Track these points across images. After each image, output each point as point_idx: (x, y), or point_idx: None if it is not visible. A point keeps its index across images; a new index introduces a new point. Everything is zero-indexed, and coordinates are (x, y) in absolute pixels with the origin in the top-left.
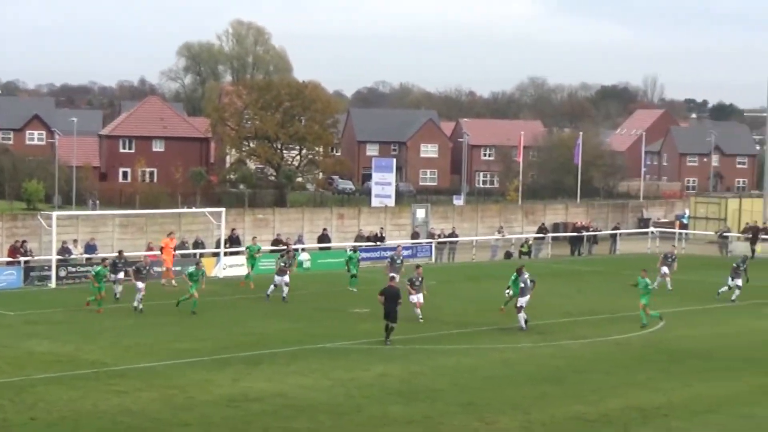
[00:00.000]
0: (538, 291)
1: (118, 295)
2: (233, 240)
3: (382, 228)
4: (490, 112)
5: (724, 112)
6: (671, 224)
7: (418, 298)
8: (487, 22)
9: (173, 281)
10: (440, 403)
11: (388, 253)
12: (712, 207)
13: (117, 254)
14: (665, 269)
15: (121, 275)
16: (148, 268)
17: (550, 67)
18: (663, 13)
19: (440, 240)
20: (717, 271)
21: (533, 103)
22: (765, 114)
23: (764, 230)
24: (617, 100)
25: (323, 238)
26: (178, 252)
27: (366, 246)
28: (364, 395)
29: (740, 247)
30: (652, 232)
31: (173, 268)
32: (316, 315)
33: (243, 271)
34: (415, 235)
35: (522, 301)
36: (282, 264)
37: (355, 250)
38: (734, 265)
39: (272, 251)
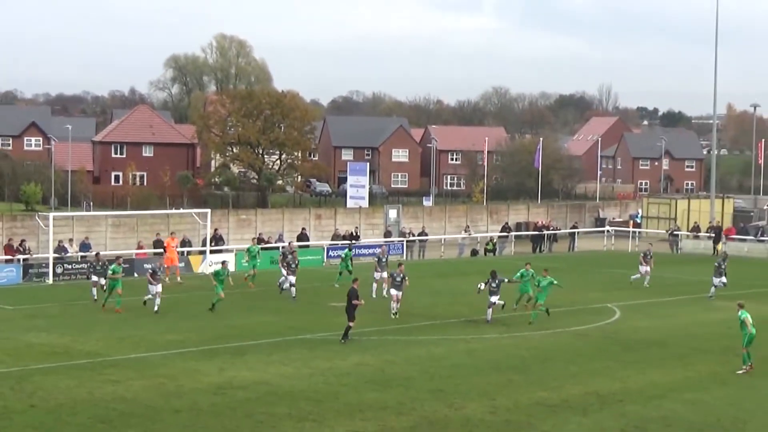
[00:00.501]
0: (503, 286)
1: (95, 297)
2: (218, 239)
3: (356, 227)
4: (457, 119)
5: (673, 119)
6: (625, 223)
7: (396, 293)
8: (454, 35)
9: (178, 278)
10: (412, 390)
11: (363, 251)
12: (662, 207)
13: (95, 256)
14: (646, 268)
15: (96, 278)
16: (162, 269)
17: (512, 78)
18: (617, 26)
19: (411, 239)
20: (668, 266)
21: (497, 111)
22: (711, 121)
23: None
24: (574, 108)
25: (302, 236)
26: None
27: (342, 244)
28: (341, 383)
29: (689, 245)
30: (608, 231)
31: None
32: (297, 308)
33: (228, 268)
34: (387, 234)
35: (495, 298)
36: (290, 264)
37: (349, 248)
38: (716, 264)
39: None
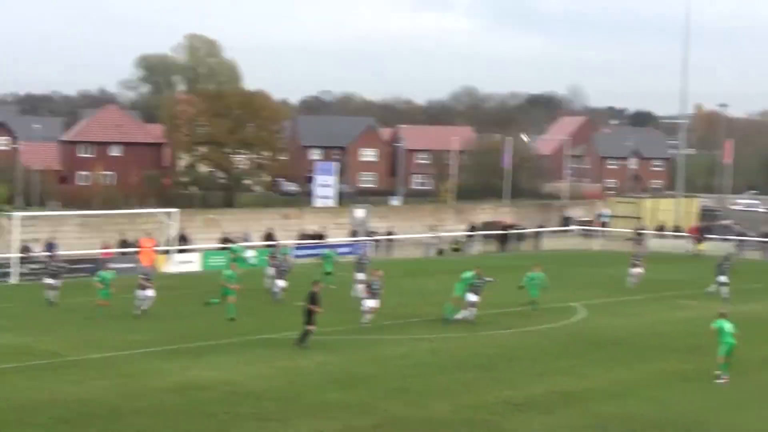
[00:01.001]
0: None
1: (51, 299)
2: (184, 238)
3: (324, 227)
4: (426, 118)
5: (641, 119)
6: (592, 222)
7: (373, 303)
8: (424, 34)
9: None
10: (376, 389)
11: (325, 251)
12: (629, 207)
13: (48, 257)
14: (639, 270)
15: (52, 280)
16: (152, 275)
17: (481, 77)
18: (587, 26)
19: (378, 238)
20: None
21: (466, 111)
22: (679, 121)
23: (699, 229)
24: (543, 108)
25: (269, 236)
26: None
27: (309, 243)
28: (304, 382)
29: (655, 244)
30: (575, 230)
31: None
32: (262, 308)
33: (194, 267)
34: (354, 234)
35: (474, 297)
36: (281, 266)
37: (331, 248)
38: (718, 263)
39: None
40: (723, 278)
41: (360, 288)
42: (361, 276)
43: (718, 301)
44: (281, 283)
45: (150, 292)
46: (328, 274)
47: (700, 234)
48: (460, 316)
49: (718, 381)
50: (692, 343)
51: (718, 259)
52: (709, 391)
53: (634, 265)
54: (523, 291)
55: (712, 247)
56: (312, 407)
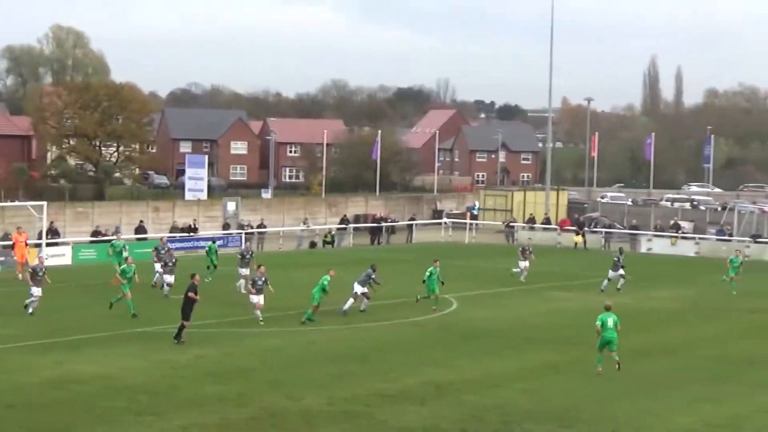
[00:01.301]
0: (342, 278)
1: None
2: (54, 232)
3: (195, 220)
4: (296, 112)
5: (510, 113)
6: (463, 215)
7: (258, 299)
8: (293, 28)
9: (20, 275)
10: (251, 382)
11: (201, 243)
12: (499, 199)
13: None
14: (525, 263)
15: None
16: (43, 270)
17: (351, 71)
18: (455, 21)
19: (249, 230)
20: (504, 258)
21: (336, 104)
22: (546, 114)
23: (547, 221)
24: (413, 101)
25: (140, 229)
26: None
27: (180, 237)
28: (180, 375)
29: (524, 236)
30: (445, 223)
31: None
32: (135, 301)
33: (65, 261)
34: (225, 227)
35: (361, 289)
36: (167, 262)
37: (213, 241)
38: (614, 259)
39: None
40: (620, 272)
41: (242, 283)
42: (244, 271)
43: (590, 293)
44: (169, 278)
45: (37, 291)
46: (214, 266)
47: (578, 227)
48: (355, 306)
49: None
50: (561, 334)
51: (612, 253)
52: (580, 381)
53: (524, 258)
54: (400, 283)
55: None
56: (188, 400)
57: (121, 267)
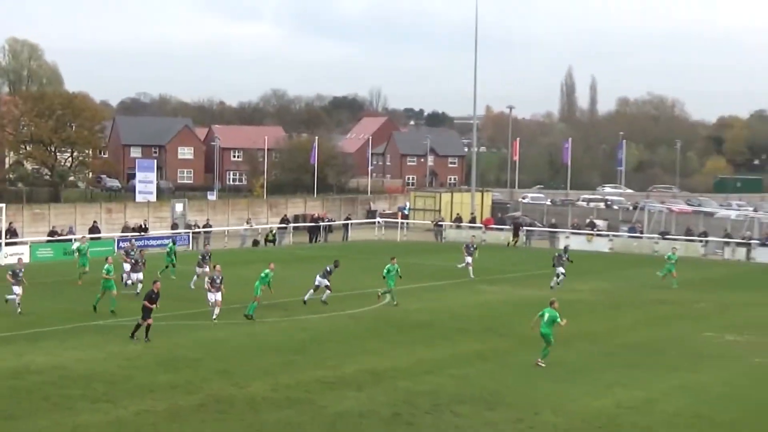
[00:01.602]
0: (283, 274)
1: None
2: (12, 232)
3: (145, 220)
4: (239, 119)
5: (437, 120)
6: (395, 215)
7: (216, 297)
8: (236, 41)
9: None
10: (200, 370)
11: (152, 242)
12: (428, 200)
13: None
14: (469, 259)
15: None
16: (22, 270)
17: (290, 81)
18: (386, 34)
19: (196, 230)
20: (433, 254)
21: (275, 112)
22: (471, 121)
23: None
24: (347, 109)
25: (93, 229)
26: None
27: (131, 236)
28: (134, 365)
29: (452, 234)
30: (378, 222)
31: None
32: (91, 296)
33: (23, 259)
34: (174, 226)
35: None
36: (137, 261)
37: (174, 242)
38: (557, 254)
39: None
40: (561, 269)
41: (195, 279)
42: (200, 270)
43: (516, 286)
44: (137, 276)
45: (18, 290)
46: (173, 265)
47: (516, 229)
48: (316, 296)
49: (539, 363)
50: (488, 325)
51: (555, 251)
52: (506, 367)
53: (468, 254)
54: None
55: (498, 236)
56: (140, 388)
57: (105, 267)
